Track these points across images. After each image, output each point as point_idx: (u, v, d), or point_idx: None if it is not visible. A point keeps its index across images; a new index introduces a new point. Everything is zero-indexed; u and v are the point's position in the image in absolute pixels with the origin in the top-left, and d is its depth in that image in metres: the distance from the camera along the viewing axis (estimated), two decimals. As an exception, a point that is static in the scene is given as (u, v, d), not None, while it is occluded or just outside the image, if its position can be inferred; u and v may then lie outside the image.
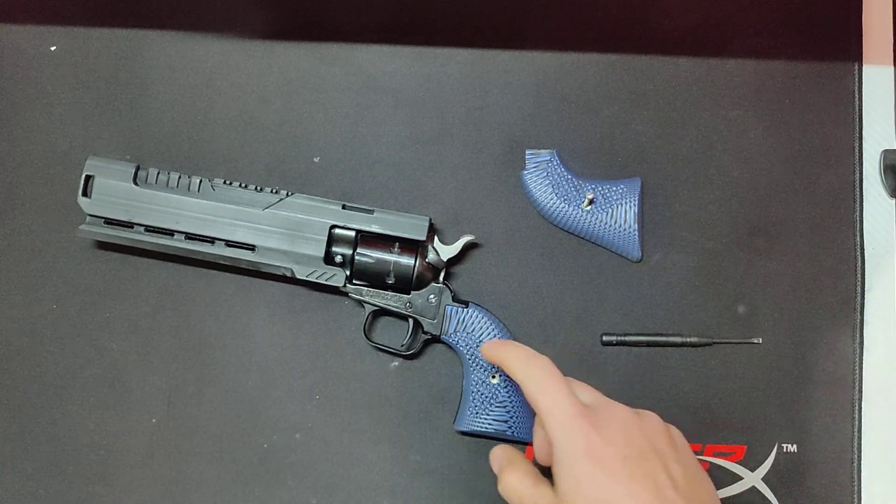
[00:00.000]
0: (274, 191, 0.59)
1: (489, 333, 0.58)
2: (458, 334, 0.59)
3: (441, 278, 0.60)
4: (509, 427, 0.58)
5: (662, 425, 0.47)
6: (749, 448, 0.61)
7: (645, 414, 0.48)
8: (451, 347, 0.60)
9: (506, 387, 0.58)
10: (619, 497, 0.43)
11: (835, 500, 0.61)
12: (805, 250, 0.63)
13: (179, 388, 0.62)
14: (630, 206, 0.61)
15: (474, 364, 0.58)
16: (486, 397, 0.58)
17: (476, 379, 0.58)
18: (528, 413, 0.58)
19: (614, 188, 0.62)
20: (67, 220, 0.62)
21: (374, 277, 0.59)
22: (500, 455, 0.51)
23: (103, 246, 0.62)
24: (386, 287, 0.59)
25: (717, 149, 0.64)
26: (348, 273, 0.59)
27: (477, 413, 0.58)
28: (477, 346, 0.58)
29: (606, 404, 0.47)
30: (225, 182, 0.59)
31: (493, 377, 0.58)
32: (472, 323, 0.58)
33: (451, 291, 0.59)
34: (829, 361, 0.62)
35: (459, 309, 0.59)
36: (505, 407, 0.58)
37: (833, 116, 0.64)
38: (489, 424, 0.58)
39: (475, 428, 0.59)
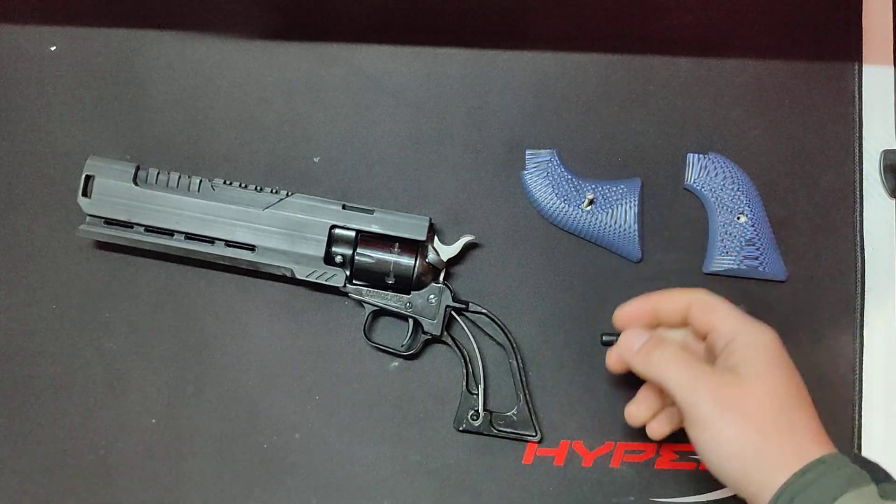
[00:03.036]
0: (274, 191, 0.59)
1: None
2: None
3: (441, 278, 0.60)
4: (760, 263, 0.60)
5: None
6: (749, 448, 0.61)
7: None
8: (451, 347, 0.60)
9: (753, 225, 0.60)
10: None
11: (835, 500, 0.61)
12: (805, 250, 0.63)
13: (179, 388, 0.62)
14: (630, 206, 0.61)
15: None
16: (735, 236, 0.61)
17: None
18: (775, 249, 0.61)
19: (614, 188, 0.62)
20: (67, 220, 0.62)
21: (374, 277, 0.59)
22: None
23: (103, 246, 0.62)
24: (386, 287, 0.59)
25: (717, 149, 0.64)
26: (348, 273, 0.59)
27: (727, 252, 0.61)
28: None
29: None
30: (225, 182, 0.59)
31: (740, 217, 0.60)
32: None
33: (451, 291, 0.59)
34: (829, 361, 0.62)
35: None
36: (755, 245, 0.60)
37: (833, 116, 0.64)
38: (741, 262, 0.61)
39: (726, 266, 0.61)
